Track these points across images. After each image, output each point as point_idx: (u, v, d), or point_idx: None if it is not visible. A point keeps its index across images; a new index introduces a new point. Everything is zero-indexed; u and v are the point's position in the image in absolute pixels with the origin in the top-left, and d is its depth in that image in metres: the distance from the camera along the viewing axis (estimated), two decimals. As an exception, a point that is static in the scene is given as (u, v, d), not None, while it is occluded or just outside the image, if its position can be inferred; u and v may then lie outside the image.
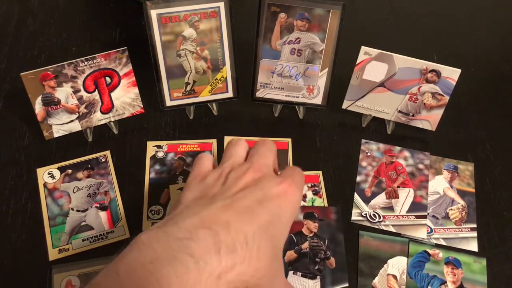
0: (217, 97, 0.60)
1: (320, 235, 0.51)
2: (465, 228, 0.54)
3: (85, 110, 0.56)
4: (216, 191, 0.33)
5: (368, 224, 0.54)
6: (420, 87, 0.57)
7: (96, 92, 0.56)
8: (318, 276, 0.48)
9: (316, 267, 0.49)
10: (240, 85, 0.60)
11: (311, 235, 0.51)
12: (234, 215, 0.29)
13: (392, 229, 0.53)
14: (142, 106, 0.59)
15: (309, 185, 0.56)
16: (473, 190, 0.57)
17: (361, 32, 0.70)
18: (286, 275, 0.48)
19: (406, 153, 0.59)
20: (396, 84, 0.57)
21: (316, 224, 0.52)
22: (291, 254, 0.50)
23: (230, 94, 0.60)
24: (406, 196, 0.56)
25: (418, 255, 0.52)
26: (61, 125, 0.56)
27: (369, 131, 0.62)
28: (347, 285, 0.49)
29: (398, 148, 0.60)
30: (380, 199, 0.56)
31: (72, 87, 0.54)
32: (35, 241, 0.50)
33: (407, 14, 0.76)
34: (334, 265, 0.49)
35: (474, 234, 0.54)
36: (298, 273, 0.48)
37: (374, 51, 0.56)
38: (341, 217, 0.53)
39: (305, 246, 0.50)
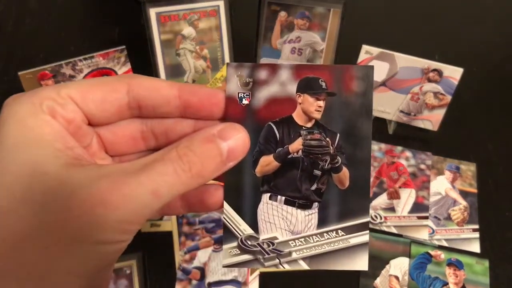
0: (216, 96, 0.59)
1: (326, 124, 0.27)
2: (467, 229, 0.54)
3: (84, 110, 0.56)
4: None
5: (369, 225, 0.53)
6: (422, 86, 0.56)
7: (95, 91, 0.55)
8: (316, 204, 0.27)
9: (314, 187, 0.27)
10: (240, 84, 0.59)
11: (308, 124, 0.27)
12: None
13: (393, 230, 0.53)
14: (141, 105, 0.58)
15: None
16: (475, 190, 0.57)
17: (362, 31, 0.69)
18: (259, 199, 0.26)
19: (408, 153, 0.59)
20: (397, 83, 0.57)
21: (321, 103, 0.26)
22: (268, 163, 0.26)
23: (230, 93, 0.59)
24: (407, 197, 0.55)
25: (420, 256, 0.51)
26: (59, 125, 0.56)
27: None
28: (368, 219, 0.27)
29: (399, 148, 0.59)
30: (382, 200, 0.55)
31: (70, 86, 0.54)
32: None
33: (409, 13, 0.75)
34: (347, 183, 0.26)
35: (476, 235, 0.53)
36: (279, 197, 0.26)
37: (375, 50, 0.55)
38: (371, 89, 0.26)
39: (296, 146, 0.27)
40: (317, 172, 0.27)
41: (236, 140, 0.23)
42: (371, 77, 0.24)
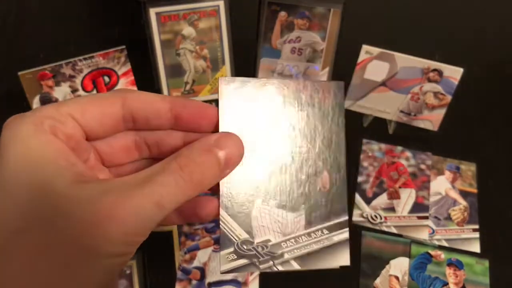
0: (216, 96, 0.59)
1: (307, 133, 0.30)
2: (467, 229, 0.54)
3: (84, 110, 0.56)
4: None
5: (369, 225, 0.53)
6: (422, 86, 0.56)
7: (95, 91, 0.55)
8: (303, 206, 0.29)
9: (300, 191, 0.29)
10: (240, 84, 0.59)
11: None
12: None
13: (393, 230, 0.53)
14: (141, 105, 0.58)
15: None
16: (475, 190, 0.57)
17: (362, 31, 0.69)
18: (252, 204, 0.28)
19: (408, 153, 0.59)
20: (397, 83, 0.57)
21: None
22: None
23: (230, 93, 0.59)
24: (407, 197, 0.55)
25: (420, 256, 0.51)
26: (59, 125, 0.56)
27: (370, 131, 0.61)
28: (346, 217, 0.29)
29: (399, 148, 0.59)
30: (382, 200, 0.55)
31: (70, 86, 0.54)
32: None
33: (409, 13, 0.75)
34: (328, 185, 0.30)
35: (477, 235, 0.53)
36: (270, 201, 0.28)
37: (376, 50, 0.55)
38: (342, 101, 0.31)
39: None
40: (303, 177, 0.29)
41: (231, 148, 0.24)
42: (342, 91, 0.28)
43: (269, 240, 0.27)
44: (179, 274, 0.51)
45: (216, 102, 0.60)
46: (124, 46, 0.54)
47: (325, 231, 0.28)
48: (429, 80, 0.56)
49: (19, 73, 0.51)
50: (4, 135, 0.22)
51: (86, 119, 0.23)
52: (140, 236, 0.21)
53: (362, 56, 0.55)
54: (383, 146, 0.59)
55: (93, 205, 0.20)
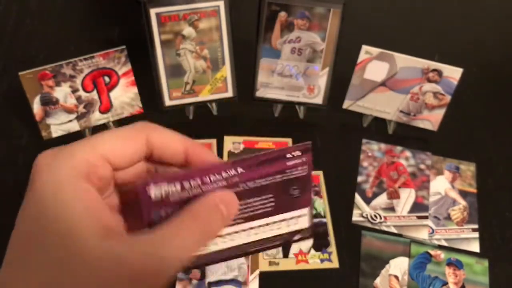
0: (216, 96, 0.59)
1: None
2: (466, 228, 0.54)
3: (84, 110, 0.56)
4: None
5: (369, 225, 0.53)
6: (422, 86, 0.56)
7: (95, 91, 0.55)
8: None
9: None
10: (240, 84, 0.59)
11: None
12: None
13: (393, 230, 0.53)
14: (141, 106, 0.58)
15: (310, 186, 0.55)
16: (474, 190, 0.57)
17: (362, 31, 0.69)
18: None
19: (408, 153, 0.59)
20: (397, 83, 0.57)
21: None
22: None
23: (230, 93, 0.59)
24: (407, 197, 0.56)
25: (419, 256, 0.51)
26: (60, 125, 0.56)
27: (370, 131, 0.61)
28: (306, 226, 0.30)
29: (399, 148, 0.59)
30: (381, 200, 0.55)
31: (70, 86, 0.54)
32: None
33: (409, 13, 0.75)
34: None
35: (476, 235, 0.53)
36: None
37: (375, 51, 0.55)
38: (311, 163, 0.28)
39: None
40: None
41: (231, 203, 0.26)
42: (310, 152, 0.28)
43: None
44: (179, 273, 0.51)
45: (216, 101, 0.61)
46: (124, 46, 0.54)
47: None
48: (429, 80, 0.56)
49: (20, 73, 0.51)
50: (39, 171, 0.22)
51: (116, 158, 0.25)
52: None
53: (362, 56, 0.56)
54: (383, 146, 0.59)
55: (124, 266, 0.21)
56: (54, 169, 0.22)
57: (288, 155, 0.27)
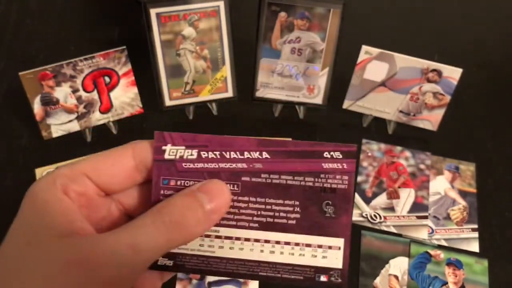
0: (216, 96, 0.60)
1: None
2: (466, 228, 0.54)
3: (84, 110, 0.56)
4: None
5: (368, 225, 0.53)
6: (421, 86, 0.56)
7: (95, 91, 0.55)
8: None
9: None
10: (240, 85, 0.59)
11: None
12: None
13: (393, 230, 0.53)
14: (141, 106, 0.58)
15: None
16: (474, 190, 0.57)
17: (361, 31, 0.69)
18: None
19: (407, 153, 0.59)
20: (397, 83, 0.57)
21: None
22: None
23: (230, 93, 0.59)
24: (407, 197, 0.56)
25: (419, 256, 0.51)
26: (60, 125, 0.56)
27: (370, 131, 0.61)
28: None
29: (399, 148, 0.59)
30: (381, 200, 0.55)
31: (70, 86, 0.54)
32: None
33: (408, 13, 0.75)
34: None
35: (476, 234, 0.53)
36: None
37: (375, 51, 0.55)
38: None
39: None
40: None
41: (215, 192, 0.23)
42: (353, 158, 0.23)
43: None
44: (179, 273, 0.51)
45: (216, 101, 0.61)
46: (124, 47, 0.54)
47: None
48: (429, 80, 0.56)
49: (20, 73, 0.51)
50: (28, 192, 0.24)
51: (98, 175, 0.24)
52: (119, 285, 0.21)
53: (362, 56, 0.56)
54: (383, 146, 0.60)
55: (72, 254, 0.20)
56: (36, 183, 0.23)
57: (326, 154, 0.22)
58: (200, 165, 0.22)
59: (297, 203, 0.22)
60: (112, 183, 0.24)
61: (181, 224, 0.21)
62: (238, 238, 0.23)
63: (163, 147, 0.22)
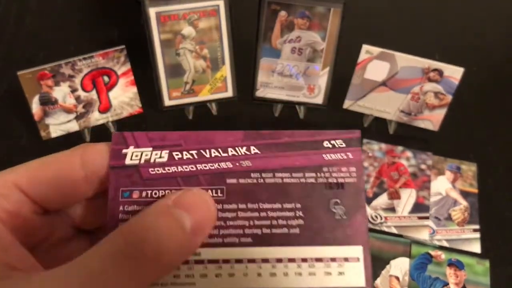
0: (216, 96, 0.59)
1: None
2: (467, 229, 0.53)
3: (83, 110, 0.56)
4: None
5: (369, 225, 0.53)
6: (422, 86, 0.56)
7: (94, 91, 0.55)
8: None
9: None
10: (240, 84, 0.59)
11: None
12: None
13: (394, 230, 0.53)
14: (140, 105, 0.58)
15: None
16: (476, 190, 0.56)
17: (362, 31, 0.69)
18: None
19: (408, 154, 0.59)
20: (398, 83, 0.56)
21: None
22: None
23: (229, 93, 0.59)
24: (408, 197, 0.55)
25: (420, 256, 0.51)
26: (59, 125, 0.56)
27: (371, 131, 0.61)
28: None
29: (400, 148, 0.59)
30: (382, 200, 0.55)
31: (69, 86, 0.54)
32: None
33: (409, 12, 0.75)
34: None
35: (477, 235, 0.53)
36: None
37: (376, 50, 0.55)
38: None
39: None
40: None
41: (198, 206, 0.17)
42: (359, 146, 0.19)
43: None
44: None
45: (216, 101, 0.60)
46: (123, 46, 0.54)
47: None
48: (430, 80, 0.56)
49: (19, 73, 0.51)
50: None
51: (35, 187, 0.19)
52: None
53: (362, 56, 0.55)
54: (384, 146, 0.59)
55: None
56: None
57: (326, 143, 0.18)
58: (172, 168, 0.18)
59: (298, 205, 0.18)
60: (53, 199, 0.19)
61: (155, 255, 0.16)
62: (226, 261, 0.17)
63: (124, 150, 0.18)
